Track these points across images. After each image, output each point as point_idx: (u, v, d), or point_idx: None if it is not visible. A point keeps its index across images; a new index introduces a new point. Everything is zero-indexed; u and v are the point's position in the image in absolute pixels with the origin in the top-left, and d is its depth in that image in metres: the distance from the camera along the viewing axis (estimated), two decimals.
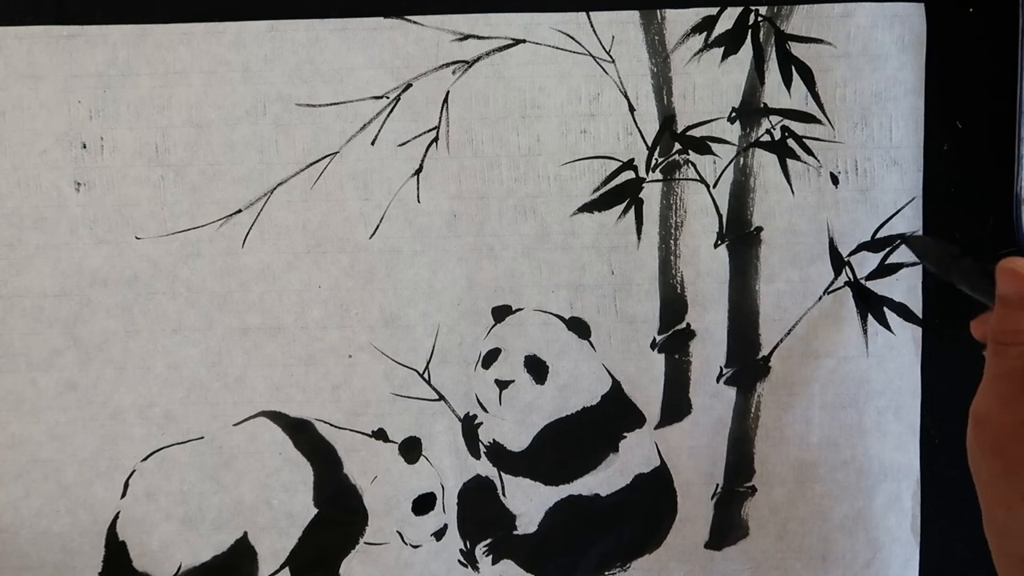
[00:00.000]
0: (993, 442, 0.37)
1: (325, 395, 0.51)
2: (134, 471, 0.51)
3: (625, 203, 0.51)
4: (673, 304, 0.51)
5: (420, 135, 0.50)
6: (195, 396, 0.51)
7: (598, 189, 0.50)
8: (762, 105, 0.50)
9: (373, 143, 0.50)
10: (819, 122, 0.50)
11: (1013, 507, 0.36)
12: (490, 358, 0.51)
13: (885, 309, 0.51)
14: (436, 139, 0.50)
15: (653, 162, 0.50)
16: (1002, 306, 0.37)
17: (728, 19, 0.50)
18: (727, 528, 0.53)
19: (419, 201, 0.50)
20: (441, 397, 0.52)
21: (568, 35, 0.50)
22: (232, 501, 0.52)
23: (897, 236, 0.51)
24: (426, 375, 0.51)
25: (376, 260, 0.51)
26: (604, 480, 0.52)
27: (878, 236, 0.51)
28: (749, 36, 0.50)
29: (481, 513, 0.52)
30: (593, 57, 0.50)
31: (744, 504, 0.53)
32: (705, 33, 0.50)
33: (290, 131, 0.50)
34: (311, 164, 0.50)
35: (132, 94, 0.49)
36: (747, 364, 0.52)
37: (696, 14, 0.50)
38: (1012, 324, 0.36)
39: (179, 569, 0.52)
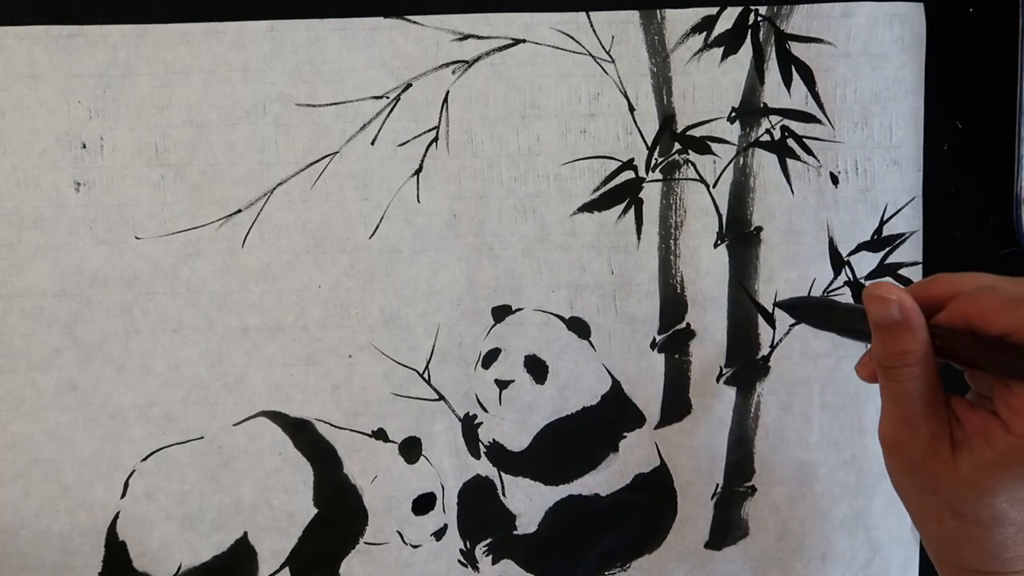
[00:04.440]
0: (910, 464, 0.37)
1: (325, 395, 0.51)
2: (134, 471, 0.51)
3: (625, 203, 0.51)
4: (673, 304, 0.51)
5: (420, 135, 0.50)
6: (195, 396, 0.51)
7: (598, 189, 0.50)
8: (762, 105, 0.50)
9: (373, 143, 0.50)
10: (819, 122, 0.50)
11: (944, 521, 0.37)
12: (490, 358, 0.51)
13: None
14: (436, 139, 0.50)
15: (653, 162, 0.50)
16: (879, 332, 0.36)
17: (728, 19, 0.50)
18: (727, 528, 0.53)
19: (419, 201, 0.50)
20: (441, 397, 0.52)
21: (568, 35, 0.50)
22: (232, 501, 0.52)
23: (897, 236, 0.51)
24: (426, 375, 0.51)
25: (376, 260, 0.51)
26: (604, 480, 0.52)
27: (878, 236, 0.51)
28: (749, 36, 0.50)
29: (481, 513, 0.52)
30: (593, 57, 0.50)
31: (744, 504, 0.53)
32: (705, 33, 0.50)
33: (290, 131, 0.50)
34: (311, 164, 0.50)
35: (132, 94, 0.49)
36: (747, 364, 0.52)
37: (696, 14, 0.50)
38: (893, 348, 0.35)
39: (179, 569, 0.52)
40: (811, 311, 0.42)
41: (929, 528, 0.38)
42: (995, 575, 0.37)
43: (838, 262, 0.51)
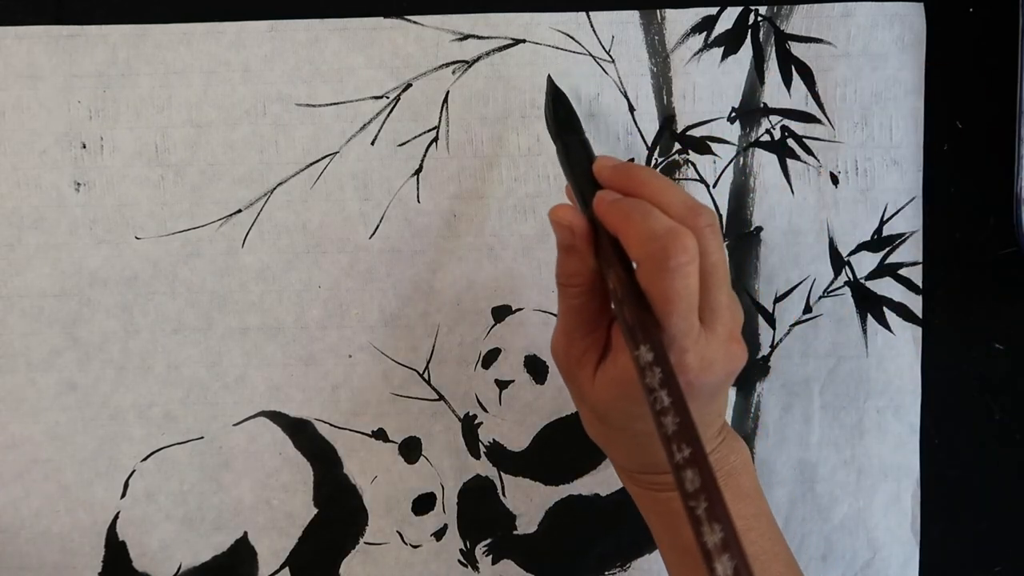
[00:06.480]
0: (564, 372, 0.41)
1: (325, 395, 0.51)
2: (134, 471, 0.51)
3: None
4: None
5: (420, 135, 0.50)
6: (195, 396, 0.51)
7: None
8: (762, 105, 0.50)
9: (373, 143, 0.50)
10: (819, 122, 0.50)
11: (594, 424, 0.42)
12: (490, 358, 0.51)
13: (885, 309, 0.51)
14: (436, 139, 0.50)
15: (653, 162, 0.50)
16: (558, 251, 0.39)
17: (728, 19, 0.50)
18: None
19: (419, 201, 0.50)
20: (441, 397, 0.52)
21: (568, 35, 0.50)
22: (232, 501, 0.52)
23: (897, 236, 0.51)
24: (426, 375, 0.51)
25: (376, 260, 0.51)
26: (604, 480, 0.52)
27: (878, 236, 0.51)
28: (749, 36, 0.50)
29: (481, 513, 0.52)
30: (593, 57, 0.50)
31: None
32: (705, 33, 0.50)
33: (290, 131, 0.50)
34: (311, 164, 0.50)
35: (132, 94, 0.49)
36: (747, 364, 0.52)
37: (696, 14, 0.50)
38: (568, 268, 0.38)
39: (179, 569, 0.52)
40: (554, 118, 0.44)
41: (588, 429, 0.43)
42: (646, 475, 0.42)
43: (838, 262, 0.51)
